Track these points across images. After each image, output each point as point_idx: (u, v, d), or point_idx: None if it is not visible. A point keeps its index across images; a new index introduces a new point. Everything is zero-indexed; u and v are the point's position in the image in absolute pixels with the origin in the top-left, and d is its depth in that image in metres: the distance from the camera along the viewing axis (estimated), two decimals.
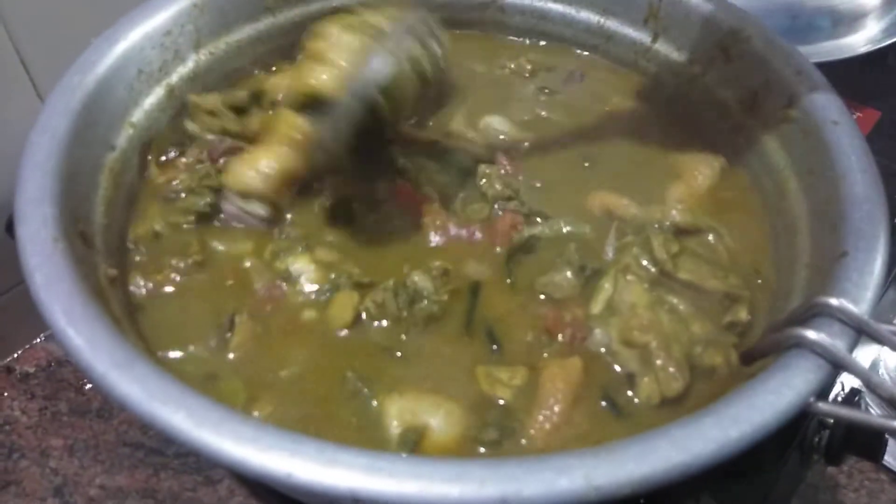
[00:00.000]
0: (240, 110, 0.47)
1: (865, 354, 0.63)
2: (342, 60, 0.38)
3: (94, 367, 0.27)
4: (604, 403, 0.35)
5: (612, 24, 0.52)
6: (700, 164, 0.47)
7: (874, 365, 0.72)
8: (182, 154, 0.45)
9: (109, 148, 0.41)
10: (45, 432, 0.57)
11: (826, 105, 0.41)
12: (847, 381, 0.53)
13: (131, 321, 0.36)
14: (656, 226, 0.42)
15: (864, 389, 0.68)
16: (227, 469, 0.26)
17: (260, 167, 0.39)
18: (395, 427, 0.34)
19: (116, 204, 0.40)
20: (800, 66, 0.43)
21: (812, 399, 0.29)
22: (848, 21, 0.63)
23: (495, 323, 0.38)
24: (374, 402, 0.35)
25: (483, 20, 0.55)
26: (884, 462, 0.65)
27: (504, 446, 0.34)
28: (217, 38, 0.48)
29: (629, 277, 0.39)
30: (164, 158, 0.45)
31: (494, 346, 0.37)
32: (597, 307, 0.38)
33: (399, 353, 0.37)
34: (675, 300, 0.38)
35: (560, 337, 0.37)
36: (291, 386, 0.35)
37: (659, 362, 0.35)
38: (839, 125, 0.39)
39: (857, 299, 0.32)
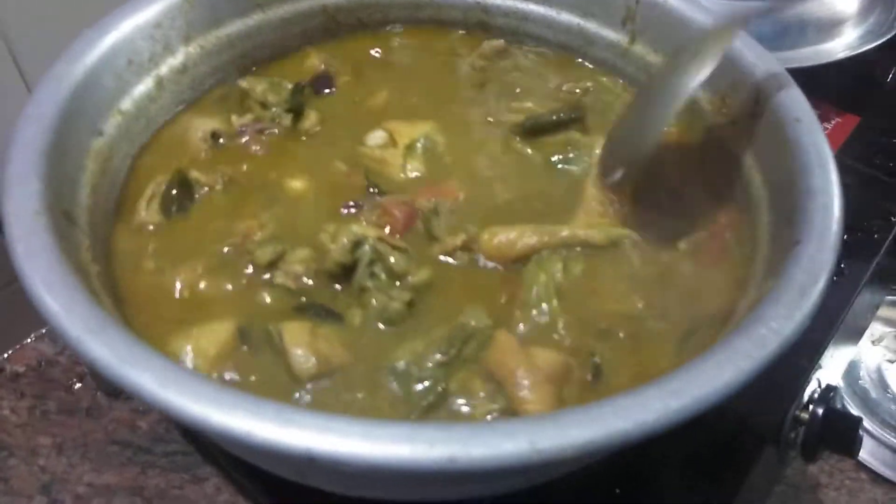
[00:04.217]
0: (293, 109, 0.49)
1: (843, 355, 0.65)
2: None
3: (69, 331, 0.29)
4: None
5: (592, 26, 0.54)
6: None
7: (854, 365, 0.73)
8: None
9: (97, 133, 0.42)
10: (34, 431, 0.59)
11: (790, 104, 0.42)
12: (823, 379, 0.54)
13: (114, 297, 0.38)
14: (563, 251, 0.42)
15: (840, 386, 0.70)
16: (189, 427, 0.27)
17: None
18: None
19: (103, 187, 0.41)
20: (767, 66, 0.44)
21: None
22: (826, 28, 0.64)
23: None
24: None
25: (466, 20, 0.56)
26: (864, 461, 0.66)
27: None
28: (207, 32, 0.50)
29: None
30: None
31: None
32: None
33: None
34: None
35: None
36: None
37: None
38: (801, 122, 0.41)
39: (806, 286, 0.33)
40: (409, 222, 0.43)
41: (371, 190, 0.45)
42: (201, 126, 0.48)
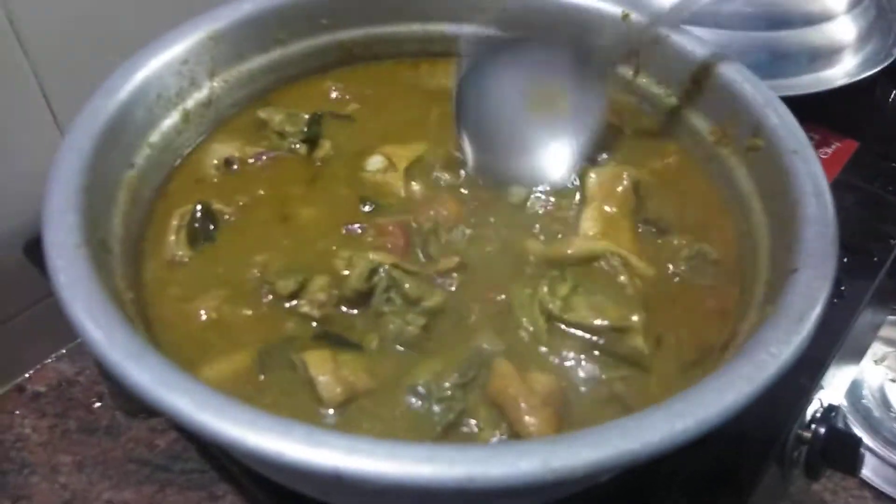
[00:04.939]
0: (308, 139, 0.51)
1: (846, 374, 0.66)
2: None
3: (111, 356, 0.31)
4: None
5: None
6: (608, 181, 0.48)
7: (857, 385, 0.74)
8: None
9: (129, 166, 0.44)
10: (55, 449, 0.60)
11: (787, 135, 0.44)
12: (825, 398, 0.55)
13: (145, 322, 0.40)
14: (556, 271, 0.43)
15: (843, 405, 0.71)
16: (224, 448, 0.29)
17: None
18: None
19: (133, 216, 0.43)
20: (766, 98, 0.46)
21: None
22: (825, 56, 0.66)
23: None
24: None
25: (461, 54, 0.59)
26: (867, 479, 0.67)
27: None
28: (231, 67, 0.52)
29: None
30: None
31: None
32: None
33: None
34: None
35: None
36: None
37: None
38: (798, 153, 0.43)
39: (804, 312, 0.35)
40: (408, 240, 0.45)
41: (366, 208, 0.47)
42: (218, 154, 0.50)
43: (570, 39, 0.50)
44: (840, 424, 0.57)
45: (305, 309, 0.41)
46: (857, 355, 0.70)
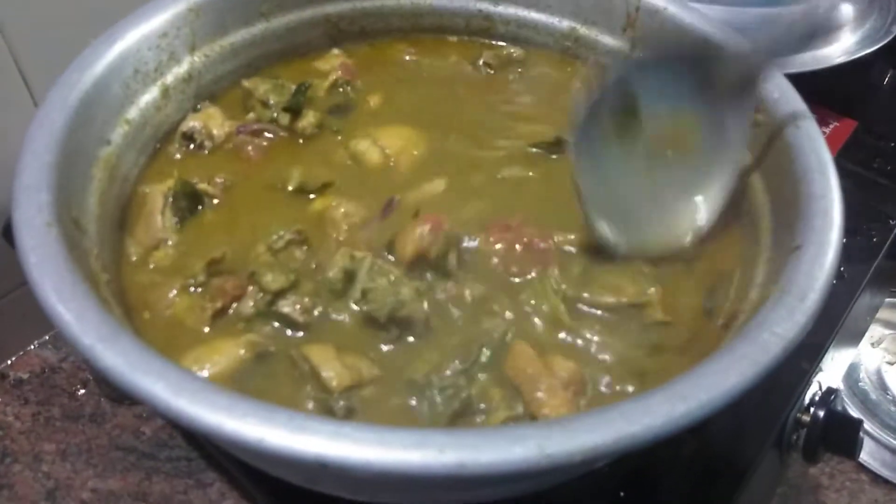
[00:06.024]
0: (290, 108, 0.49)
1: (844, 357, 0.65)
2: None
3: (82, 340, 0.29)
4: None
5: (593, 34, 0.54)
6: None
7: (854, 368, 0.73)
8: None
9: (105, 142, 0.43)
10: (38, 437, 0.59)
11: (790, 110, 0.43)
12: (824, 381, 0.54)
13: (123, 306, 0.38)
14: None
15: (840, 388, 0.70)
16: (202, 435, 0.28)
17: None
18: None
19: (111, 195, 0.42)
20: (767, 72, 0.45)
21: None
22: (823, 33, 0.65)
23: None
24: None
25: (469, 28, 0.57)
26: (864, 462, 0.66)
27: None
28: (212, 41, 0.50)
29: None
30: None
31: None
32: None
33: None
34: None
35: None
36: None
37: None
38: (801, 129, 0.41)
39: (807, 290, 0.33)
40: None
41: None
42: (195, 128, 0.48)
43: (692, 58, 0.42)
44: (839, 408, 0.56)
45: (287, 310, 0.39)
46: (855, 338, 0.69)
